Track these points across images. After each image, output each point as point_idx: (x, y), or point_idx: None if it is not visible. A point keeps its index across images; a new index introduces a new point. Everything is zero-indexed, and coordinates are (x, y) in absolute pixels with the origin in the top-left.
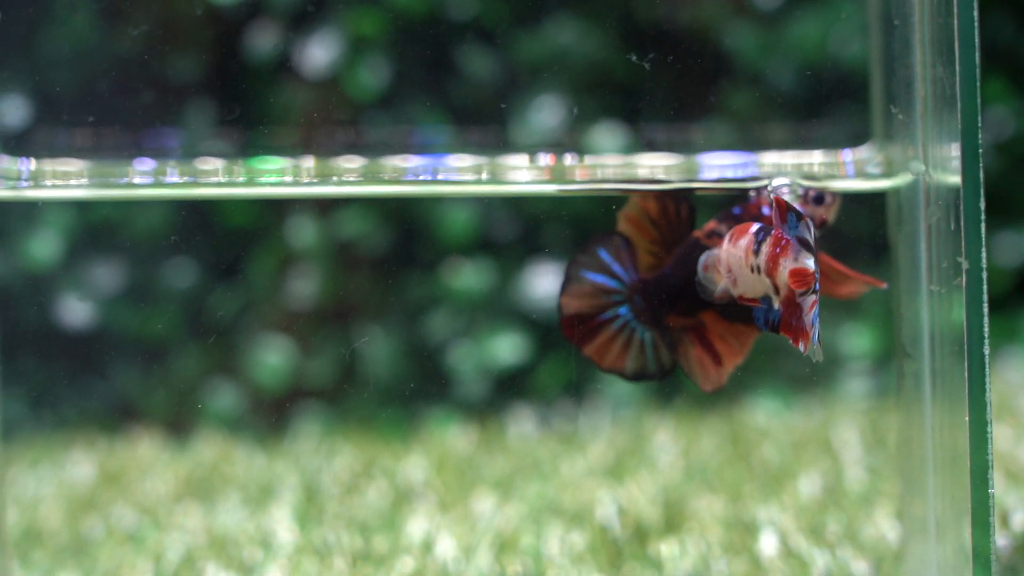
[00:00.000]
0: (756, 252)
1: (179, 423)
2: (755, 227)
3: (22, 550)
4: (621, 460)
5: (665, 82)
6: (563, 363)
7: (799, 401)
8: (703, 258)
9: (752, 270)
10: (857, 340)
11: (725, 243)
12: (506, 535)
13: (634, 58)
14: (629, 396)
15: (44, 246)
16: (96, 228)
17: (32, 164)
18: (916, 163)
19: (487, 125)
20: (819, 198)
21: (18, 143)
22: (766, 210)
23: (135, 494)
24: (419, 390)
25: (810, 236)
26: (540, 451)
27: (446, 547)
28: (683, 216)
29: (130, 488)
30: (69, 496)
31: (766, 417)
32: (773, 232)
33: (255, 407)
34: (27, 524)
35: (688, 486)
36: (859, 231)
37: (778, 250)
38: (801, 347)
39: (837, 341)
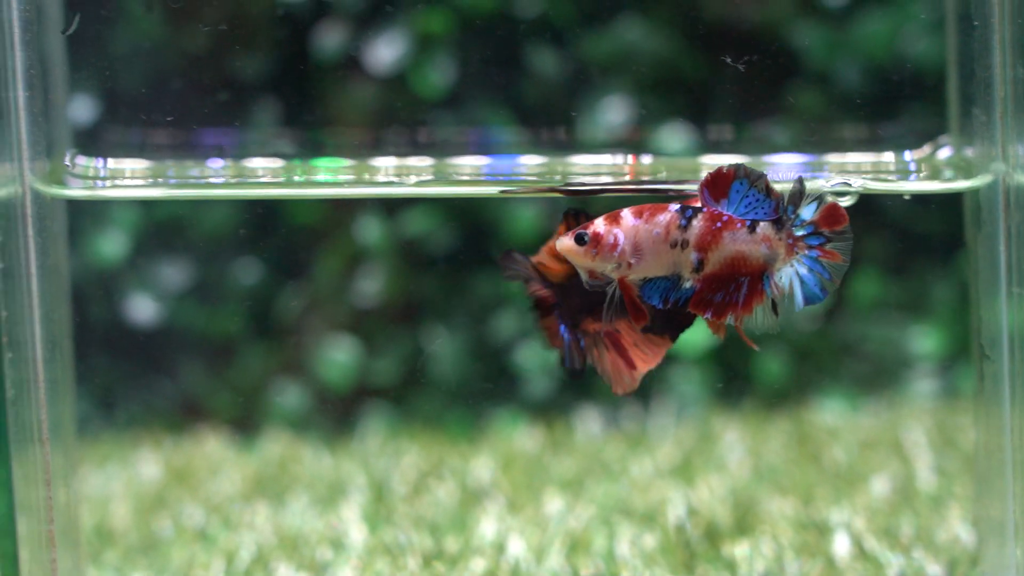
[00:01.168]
0: (683, 227)
1: (245, 422)
2: (674, 205)
3: (94, 549)
4: (689, 460)
5: (732, 81)
6: None
7: (866, 402)
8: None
9: (673, 246)
10: (924, 341)
11: (629, 222)
12: (577, 536)
13: (728, 60)
14: (695, 396)
15: (112, 244)
16: (163, 226)
17: (107, 163)
18: (997, 164)
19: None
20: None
21: (91, 142)
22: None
23: (204, 493)
24: (485, 390)
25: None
26: (607, 451)
27: (517, 548)
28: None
29: (198, 487)
30: (138, 494)
31: (833, 417)
32: (705, 209)
33: (321, 406)
34: (98, 523)
35: (758, 487)
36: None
37: (718, 224)
38: (729, 319)
39: (904, 342)
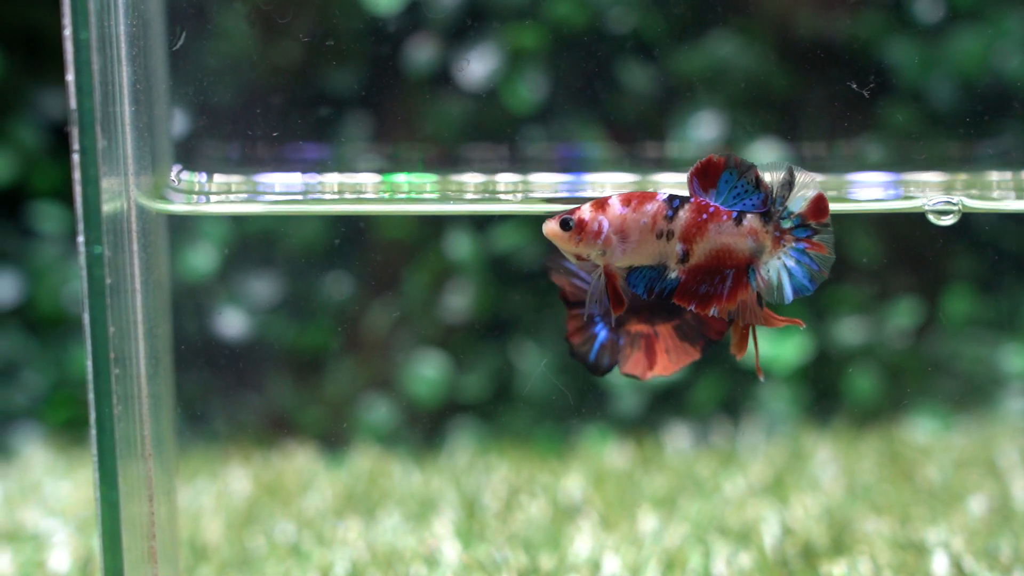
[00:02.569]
0: (669, 217)
1: (334, 437)
2: (662, 193)
3: (188, 564)
4: (781, 478)
5: (823, 98)
6: (720, 380)
7: (958, 420)
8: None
9: (659, 236)
10: (1017, 360)
11: (616, 210)
12: (672, 554)
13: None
14: (786, 413)
15: (203, 257)
16: (253, 240)
17: (208, 178)
18: None
19: (645, 141)
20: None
21: (193, 156)
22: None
23: (295, 508)
24: (575, 406)
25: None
26: (698, 469)
27: (613, 565)
28: None
29: (289, 501)
30: (229, 508)
31: (925, 436)
32: (692, 200)
33: (410, 421)
34: (191, 537)
35: (852, 506)
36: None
37: (704, 216)
38: (713, 311)
39: (996, 360)
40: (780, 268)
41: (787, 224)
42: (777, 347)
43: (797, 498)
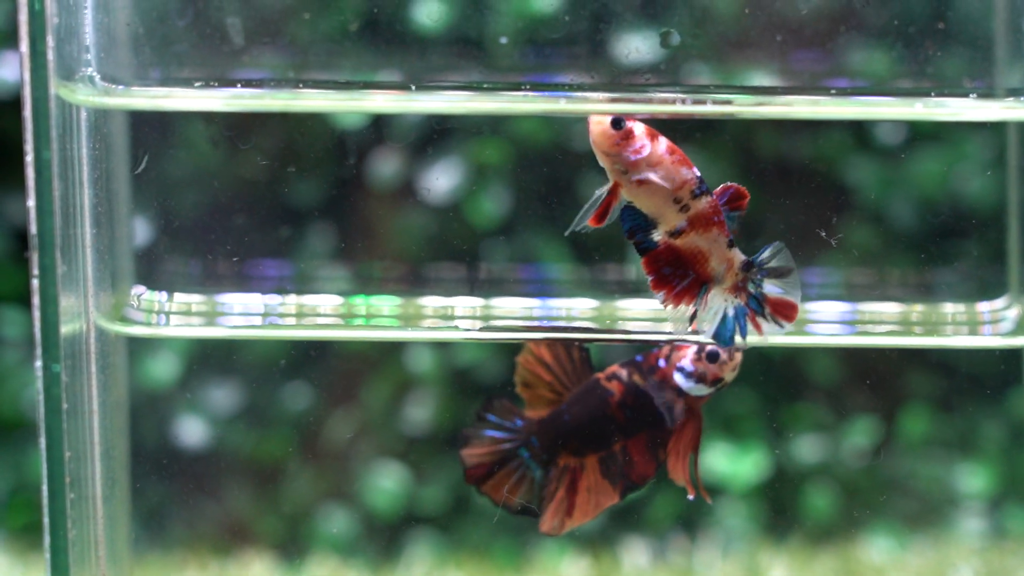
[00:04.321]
0: (695, 195)
1: (291, 546)
2: (696, 171)
3: None
4: None
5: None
6: (677, 495)
7: (914, 540)
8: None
9: (676, 201)
10: (972, 480)
11: (662, 148)
12: None
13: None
14: (742, 530)
15: (163, 366)
16: (213, 351)
17: (169, 297)
18: None
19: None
20: (713, 355)
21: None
22: (662, 362)
23: None
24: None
25: None
26: None
27: None
28: (577, 360)
29: None
30: None
31: (880, 555)
32: (715, 197)
33: (368, 532)
34: None
35: None
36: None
37: (715, 218)
38: (660, 296)
39: (951, 480)
40: (720, 309)
41: (751, 286)
42: (735, 464)
43: None
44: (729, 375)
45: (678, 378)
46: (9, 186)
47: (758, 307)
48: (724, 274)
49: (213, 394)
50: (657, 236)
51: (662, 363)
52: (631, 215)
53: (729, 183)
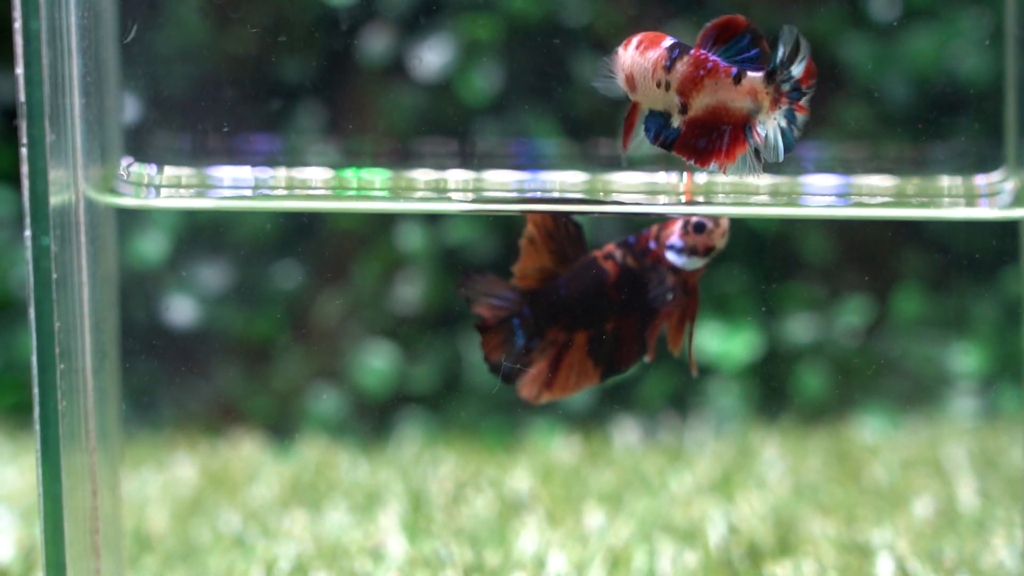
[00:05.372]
0: (667, 68)
1: (282, 426)
2: (668, 41)
3: (132, 554)
4: (728, 476)
5: None
6: (669, 375)
7: (906, 419)
8: (610, 60)
9: (658, 85)
10: (965, 359)
11: (630, 50)
12: (618, 552)
13: None
14: (735, 410)
15: (152, 245)
16: (203, 229)
17: (158, 170)
18: None
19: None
20: (699, 226)
21: (143, 147)
22: (652, 244)
23: (240, 498)
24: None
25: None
26: (646, 465)
27: (558, 562)
28: (572, 233)
29: (235, 492)
30: (174, 498)
31: (873, 435)
32: (692, 51)
33: (358, 412)
34: (135, 527)
35: (798, 505)
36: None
37: (701, 72)
38: (714, 166)
39: (945, 359)
40: (775, 128)
41: (785, 87)
42: (726, 343)
43: (744, 497)
44: (720, 242)
45: (670, 256)
46: None
47: (799, 96)
48: (755, 103)
49: (202, 272)
50: (675, 123)
51: (652, 245)
52: (651, 120)
53: (718, 20)
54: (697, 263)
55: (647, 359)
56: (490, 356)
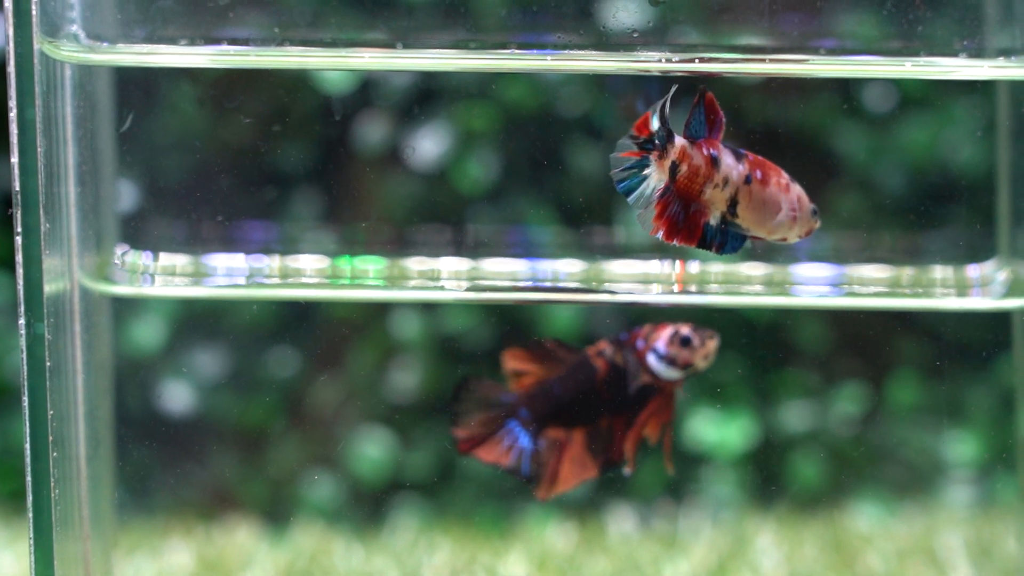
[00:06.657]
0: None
1: (277, 512)
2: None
3: None
4: (724, 564)
5: None
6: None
7: (902, 508)
8: None
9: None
10: (961, 447)
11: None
12: None
13: None
14: (730, 498)
15: (149, 331)
16: (199, 315)
17: (153, 257)
18: None
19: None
20: (686, 340)
21: (138, 235)
22: (640, 343)
23: None
24: (517, 486)
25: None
26: (641, 552)
27: None
28: (554, 347)
29: None
30: None
31: (868, 523)
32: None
33: (354, 499)
34: None
35: None
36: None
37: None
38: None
39: (940, 448)
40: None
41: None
42: (722, 431)
43: None
44: (701, 363)
45: (651, 359)
46: None
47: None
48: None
49: (198, 358)
50: (713, 221)
51: (640, 344)
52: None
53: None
54: (674, 374)
55: (627, 470)
56: (499, 460)
